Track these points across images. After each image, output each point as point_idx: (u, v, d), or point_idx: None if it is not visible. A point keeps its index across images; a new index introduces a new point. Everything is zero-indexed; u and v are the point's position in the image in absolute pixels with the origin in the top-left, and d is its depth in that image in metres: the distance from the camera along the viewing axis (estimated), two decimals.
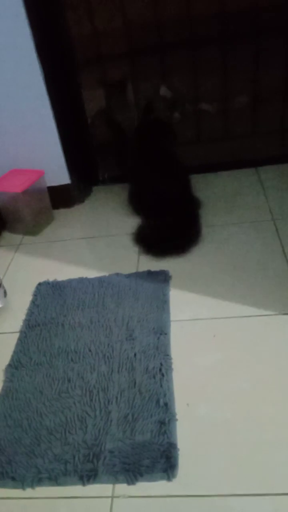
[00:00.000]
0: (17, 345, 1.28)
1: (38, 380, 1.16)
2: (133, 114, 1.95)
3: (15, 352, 1.26)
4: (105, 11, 1.71)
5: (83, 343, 1.25)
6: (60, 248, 1.69)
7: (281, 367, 1.10)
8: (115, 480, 0.93)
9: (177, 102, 1.92)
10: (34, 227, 1.79)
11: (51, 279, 1.51)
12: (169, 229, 1.60)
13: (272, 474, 0.89)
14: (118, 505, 0.89)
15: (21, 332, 1.32)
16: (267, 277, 1.38)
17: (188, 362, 1.15)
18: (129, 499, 0.90)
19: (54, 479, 0.94)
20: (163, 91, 1.87)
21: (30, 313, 1.38)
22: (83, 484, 0.93)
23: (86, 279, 1.48)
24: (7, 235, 1.83)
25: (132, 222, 1.75)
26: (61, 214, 1.91)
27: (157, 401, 1.05)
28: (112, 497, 0.91)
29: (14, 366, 1.22)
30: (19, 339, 1.30)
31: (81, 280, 1.48)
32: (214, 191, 1.86)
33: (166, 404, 1.04)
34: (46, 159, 1.80)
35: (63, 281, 1.49)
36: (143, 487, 0.91)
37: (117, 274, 1.48)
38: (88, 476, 0.93)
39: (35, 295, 1.46)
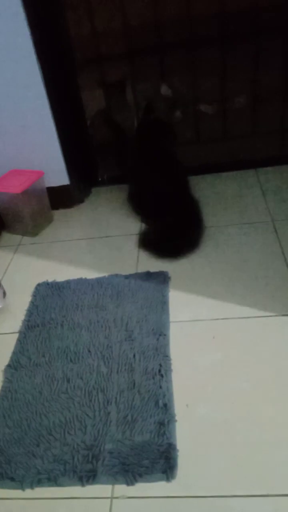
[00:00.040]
0: (16, 345, 1.28)
1: (38, 380, 1.16)
2: (133, 114, 1.95)
3: (14, 352, 1.26)
4: (105, 11, 1.71)
5: (83, 343, 1.24)
6: (60, 248, 1.69)
7: (280, 368, 1.10)
8: (115, 481, 0.92)
9: (178, 101, 1.92)
10: (33, 227, 1.79)
11: (50, 280, 1.51)
12: (172, 229, 1.60)
13: (272, 474, 0.89)
14: (118, 505, 0.89)
15: (20, 332, 1.32)
16: (266, 278, 1.37)
17: (188, 363, 1.15)
18: (128, 500, 0.90)
19: (54, 480, 0.94)
20: (164, 89, 1.87)
21: (29, 313, 1.38)
22: (82, 485, 0.93)
23: (86, 279, 1.48)
24: (6, 235, 1.82)
25: (131, 223, 1.75)
26: (61, 214, 1.91)
27: (157, 402, 1.05)
28: (112, 497, 0.91)
29: (14, 366, 1.21)
30: (18, 340, 1.30)
31: (80, 281, 1.48)
32: (213, 192, 1.86)
33: (165, 405, 1.04)
34: (46, 159, 1.80)
35: (62, 282, 1.49)
36: (142, 488, 0.91)
37: (116, 275, 1.48)
38: (87, 477, 0.93)
39: (34, 295, 1.45)
